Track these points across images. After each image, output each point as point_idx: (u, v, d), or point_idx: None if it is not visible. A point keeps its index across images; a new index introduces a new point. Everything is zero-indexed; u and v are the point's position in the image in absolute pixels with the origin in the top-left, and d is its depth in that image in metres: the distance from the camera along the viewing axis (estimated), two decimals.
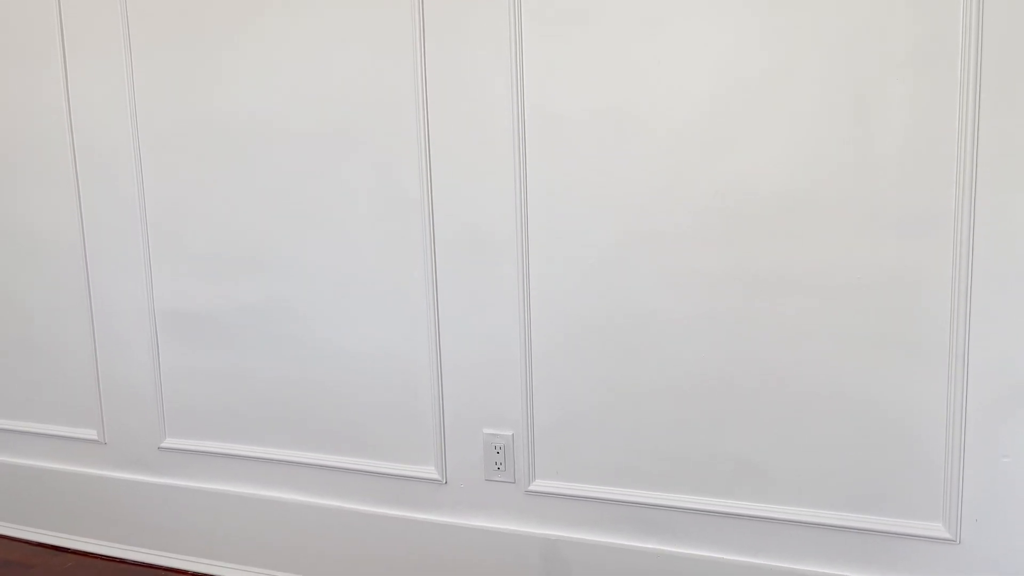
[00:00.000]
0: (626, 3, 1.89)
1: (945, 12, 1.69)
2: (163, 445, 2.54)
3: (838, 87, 1.78)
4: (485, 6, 1.99)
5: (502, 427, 2.15)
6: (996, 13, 1.66)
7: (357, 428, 2.31)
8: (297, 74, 2.20)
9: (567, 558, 2.14)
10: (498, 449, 2.15)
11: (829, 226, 1.82)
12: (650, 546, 2.07)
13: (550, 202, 2.03)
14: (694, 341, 1.96)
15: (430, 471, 2.24)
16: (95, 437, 2.62)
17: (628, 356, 2.02)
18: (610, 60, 1.92)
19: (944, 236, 1.76)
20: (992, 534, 1.81)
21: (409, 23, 2.06)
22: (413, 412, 2.24)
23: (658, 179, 1.93)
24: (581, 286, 2.03)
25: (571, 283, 2.04)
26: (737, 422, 1.96)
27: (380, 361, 2.25)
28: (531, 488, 2.15)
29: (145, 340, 2.50)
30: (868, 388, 1.86)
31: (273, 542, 2.43)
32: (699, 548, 2.03)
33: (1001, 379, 1.76)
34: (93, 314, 2.55)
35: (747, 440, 1.96)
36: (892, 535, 1.88)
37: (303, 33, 2.17)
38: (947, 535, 1.84)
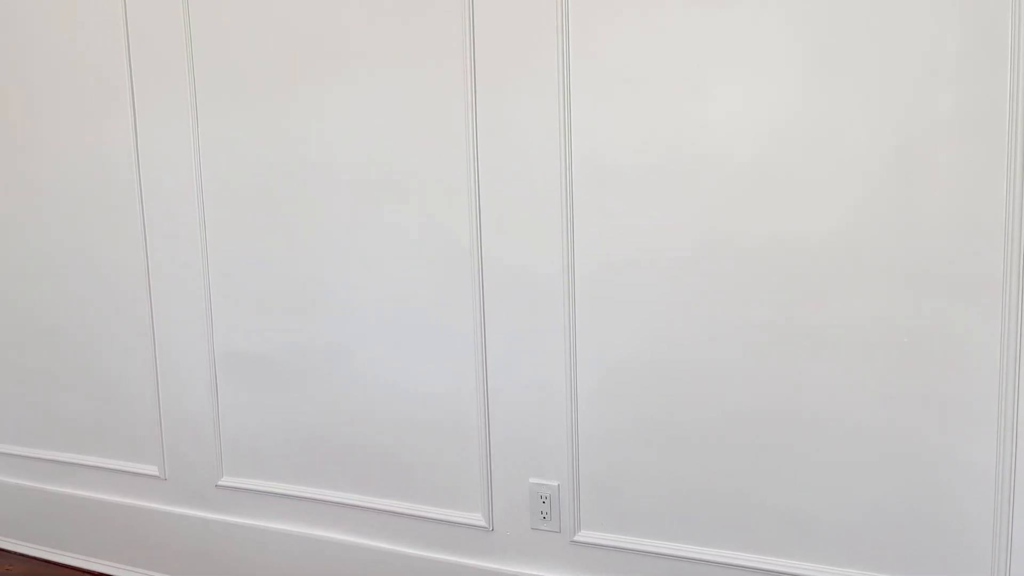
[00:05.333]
0: (674, 68, 1.93)
1: (993, 76, 1.70)
2: (220, 483, 2.62)
3: (885, 148, 1.79)
4: (535, 67, 2.04)
5: (548, 477, 2.19)
6: None
7: (407, 472, 2.36)
8: (354, 127, 2.27)
9: None
10: (544, 499, 2.19)
11: (875, 284, 1.83)
12: None
13: (597, 253, 2.06)
14: (740, 392, 1.98)
15: (477, 518, 2.29)
16: (156, 473, 2.72)
17: (673, 407, 2.04)
18: (657, 120, 1.96)
19: (992, 300, 1.75)
20: None
21: (461, 82, 2.12)
22: (461, 459, 2.29)
23: (704, 234, 1.95)
24: (627, 335, 2.06)
25: (617, 332, 2.07)
26: (782, 476, 1.97)
27: (429, 406, 2.30)
28: (576, 538, 2.18)
29: (205, 380, 2.59)
30: (916, 448, 1.85)
31: None
32: None
33: None
34: (156, 354, 2.66)
35: (792, 495, 1.97)
36: None
37: (360, 88, 2.25)
38: None
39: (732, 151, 1.91)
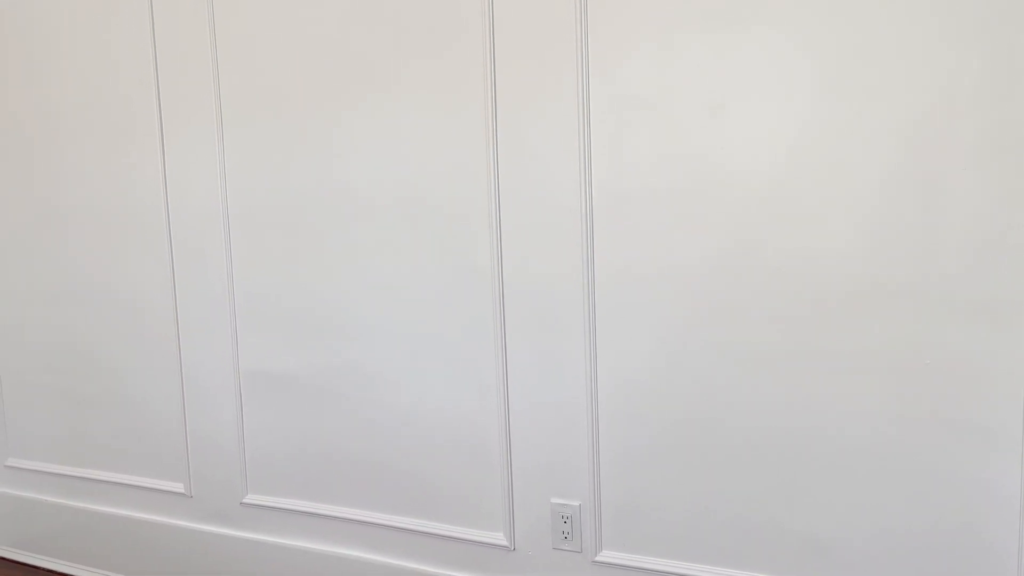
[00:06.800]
0: (691, 91, 1.95)
1: (1012, 98, 1.71)
2: (245, 500, 2.65)
3: (905, 173, 1.80)
4: (554, 92, 2.07)
5: (570, 497, 2.20)
6: None
7: (429, 491, 2.38)
8: (376, 153, 2.31)
9: None
10: (565, 519, 2.20)
11: (896, 305, 1.83)
12: None
13: (617, 274, 2.08)
14: (760, 415, 1.98)
15: (499, 537, 2.30)
16: (182, 491, 2.75)
17: (693, 429, 2.05)
18: (675, 143, 1.98)
19: (1016, 326, 1.75)
20: None
21: (482, 107, 2.15)
22: (483, 479, 2.30)
23: (722, 257, 1.97)
24: (646, 355, 2.07)
25: (636, 352, 2.08)
26: (803, 498, 1.97)
27: (451, 427, 2.32)
28: (598, 558, 2.19)
29: (230, 399, 2.63)
30: (938, 471, 1.85)
31: None
32: None
33: None
34: (183, 373, 2.70)
35: (814, 517, 1.96)
36: None
37: (383, 115, 2.29)
38: None
39: (750, 172, 1.92)
